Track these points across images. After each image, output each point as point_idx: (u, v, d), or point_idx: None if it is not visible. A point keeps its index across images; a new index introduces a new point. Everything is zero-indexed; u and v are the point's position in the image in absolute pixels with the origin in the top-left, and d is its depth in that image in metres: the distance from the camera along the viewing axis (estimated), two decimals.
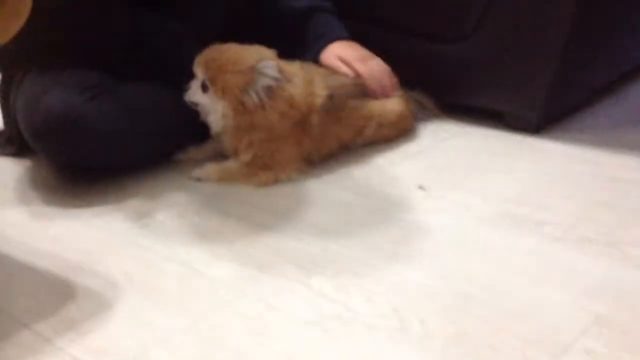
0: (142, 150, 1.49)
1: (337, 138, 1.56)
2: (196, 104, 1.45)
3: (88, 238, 1.26)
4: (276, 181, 1.47)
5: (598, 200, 1.38)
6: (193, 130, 1.51)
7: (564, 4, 1.57)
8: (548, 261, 1.16)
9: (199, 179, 1.47)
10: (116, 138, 1.42)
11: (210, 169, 1.48)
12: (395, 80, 1.65)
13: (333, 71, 1.61)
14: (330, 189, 1.45)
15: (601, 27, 1.75)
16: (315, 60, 1.63)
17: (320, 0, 1.69)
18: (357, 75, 1.60)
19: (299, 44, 1.64)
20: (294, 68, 1.47)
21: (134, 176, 1.48)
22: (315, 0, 1.68)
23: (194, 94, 1.45)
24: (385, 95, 1.60)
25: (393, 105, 1.65)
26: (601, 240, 1.22)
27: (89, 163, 1.44)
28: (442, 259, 1.17)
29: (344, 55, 1.60)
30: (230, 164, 1.48)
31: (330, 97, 1.51)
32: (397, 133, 1.68)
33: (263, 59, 1.40)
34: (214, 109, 1.43)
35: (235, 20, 1.62)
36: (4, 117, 1.59)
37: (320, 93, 1.49)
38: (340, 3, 1.82)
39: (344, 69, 1.60)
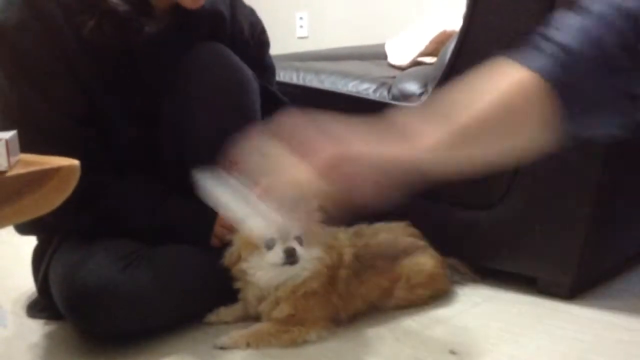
0: (173, 313, 1.50)
1: (362, 298, 1.56)
2: (296, 261, 1.44)
3: None
4: (305, 340, 1.46)
5: None
6: (224, 291, 1.52)
7: (590, 171, 1.59)
8: None
9: (223, 348, 1.44)
10: (149, 304, 1.45)
11: (237, 335, 1.45)
12: None
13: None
14: (359, 352, 1.43)
15: (630, 191, 1.77)
16: None
17: None
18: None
19: None
20: None
21: (160, 340, 1.48)
22: None
23: (297, 251, 1.43)
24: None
25: (424, 265, 1.64)
26: None
27: (121, 330, 1.45)
28: None
29: None
30: (258, 326, 1.48)
31: (357, 256, 1.54)
32: (431, 293, 1.66)
33: None
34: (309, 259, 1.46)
35: None
36: (37, 285, 1.61)
37: (346, 250, 1.53)
38: None
39: None
